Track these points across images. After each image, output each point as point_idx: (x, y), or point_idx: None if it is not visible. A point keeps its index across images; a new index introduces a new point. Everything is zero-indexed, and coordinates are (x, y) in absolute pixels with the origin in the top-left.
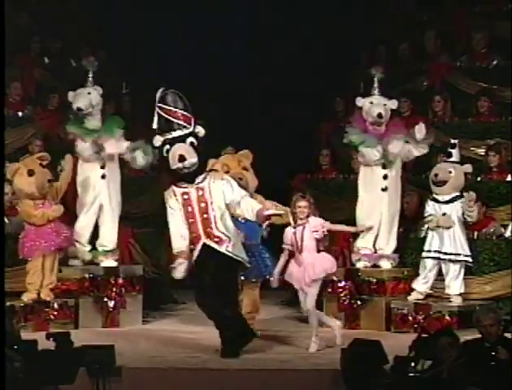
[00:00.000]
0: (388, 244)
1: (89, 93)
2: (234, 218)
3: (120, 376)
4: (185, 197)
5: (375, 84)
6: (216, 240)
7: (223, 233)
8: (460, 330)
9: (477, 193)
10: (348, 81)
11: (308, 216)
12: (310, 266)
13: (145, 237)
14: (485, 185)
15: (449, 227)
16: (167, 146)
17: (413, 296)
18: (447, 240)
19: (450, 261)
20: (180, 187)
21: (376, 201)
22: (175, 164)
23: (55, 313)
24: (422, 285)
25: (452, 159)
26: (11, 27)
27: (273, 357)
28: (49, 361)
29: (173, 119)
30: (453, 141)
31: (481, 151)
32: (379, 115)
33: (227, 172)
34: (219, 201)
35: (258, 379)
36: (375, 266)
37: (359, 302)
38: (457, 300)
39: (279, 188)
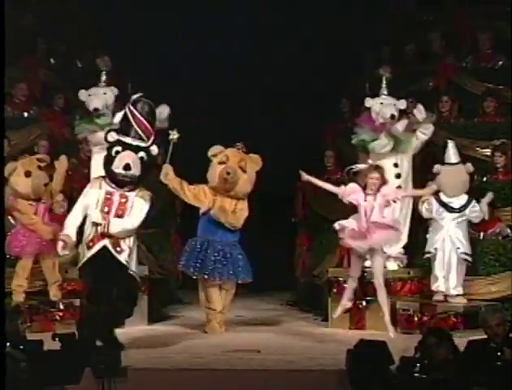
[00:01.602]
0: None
1: (105, 94)
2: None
3: (126, 377)
4: (108, 196)
5: (384, 85)
6: (118, 249)
7: (126, 245)
8: (465, 330)
9: (483, 194)
10: (353, 82)
11: (379, 187)
12: (376, 235)
13: (150, 238)
14: (491, 186)
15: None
16: (119, 148)
17: (457, 300)
18: (452, 237)
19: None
20: (109, 185)
21: None
22: (118, 168)
23: (61, 313)
24: (454, 288)
25: (451, 161)
26: (16, 27)
27: (278, 357)
28: (55, 361)
29: (135, 126)
30: (448, 141)
31: (487, 151)
32: (392, 116)
33: (223, 163)
34: (136, 216)
35: (262, 379)
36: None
37: (364, 303)
38: (461, 300)
39: (283, 189)
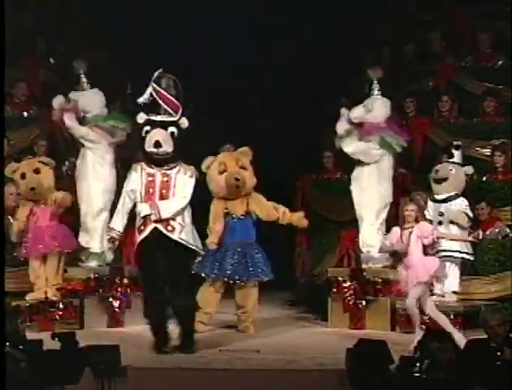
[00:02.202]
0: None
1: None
2: (230, 216)
3: (125, 376)
4: (150, 178)
5: (374, 86)
6: (169, 228)
7: (177, 223)
8: (465, 330)
9: (482, 193)
10: (352, 82)
11: (417, 220)
12: (414, 270)
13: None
14: (490, 185)
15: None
16: (148, 127)
17: (448, 299)
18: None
19: (451, 257)
20: (149, 166)
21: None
22: (149, 147)
23: (60, 313)
24: (454, 286)
25: (454, 160)
26: (16, 27)
27: (278, 357)
28: (54, 361)
29: (162, 103)
30: (456, 143)
31: (487, 151)
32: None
33: (224, 171)
34: (183, 193)
35: (262, 379)
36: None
37: (364, 302)
38: (452, 297)
39: (283, 189)
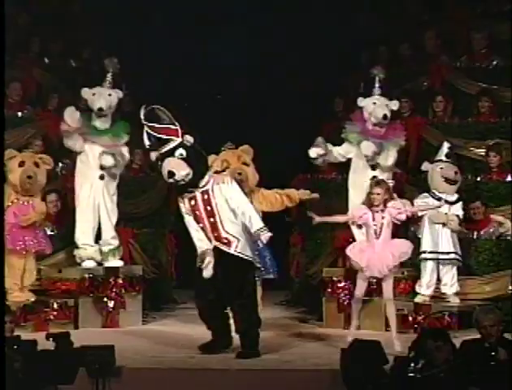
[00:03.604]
0: None
1: (110, 95)
2: None
3: (120, 376)
4: (192, 202)
5: (376, 84)
6: (225, 241)
7: (230, 235)
8: (460, 330)
9: (477, 194)
10: (347, 81)
11: (385, 202)
12: (388, 254)
13: (145, 237)
14: (485, 185)
15: (443, 224)
16: (160, 162)
17: (419, 300)
18: (443, 238)
19: (447, 259)
20: (187, 192)
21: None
22: (168, 179)
23: (55, 313)
24: (426, 289)
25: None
26: (11, 26)
27: (273, 357)
28: (49, 361)
29: (160, 135)
30: (446, 144)
31: (481, 151)
32: (385, 117)
33: (226, 168)
34: (224, 203)
35: (258, 379)
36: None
37: None
38: (455, 299)
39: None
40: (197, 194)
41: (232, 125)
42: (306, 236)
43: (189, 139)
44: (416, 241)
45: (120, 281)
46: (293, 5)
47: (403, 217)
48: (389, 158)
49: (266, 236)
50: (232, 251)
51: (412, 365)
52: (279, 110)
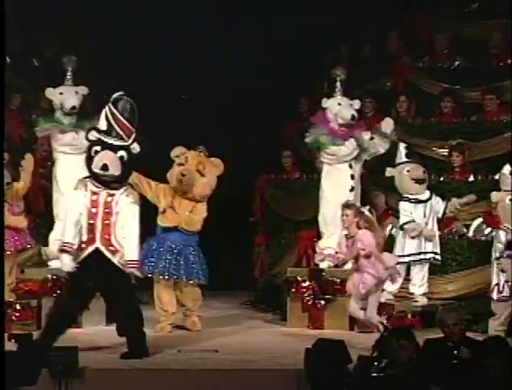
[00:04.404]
0: None
1: (77, 93)
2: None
3: (83, 378)
4: (94, 197)
5: (338, 85)
6: (111, 249)
7: (119, 244)
8: (423, 329)
9: (440, 193)
10: (312, 82)
11: (358, 224)
12: (368, 272)
13: None
14: (448, 185)
15: (431, 239)
16: (98, 147)
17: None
18: (421, 241)
19: (422, 260)
20: (94, 185)
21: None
22: (96, 168)
23: (17, 314)
24: (392, 286)
25: (404, 160)
26: None
27: (237, 357)
28: (11, 362)
29: (116, 126)
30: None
31: (444, 151)
32: (353, 117)
33: (182, 164)
34: (125, 214)
35: (221, 379)
36: (338, 266)
37: (323, 302)
38: (423, 300)
39: (242, 189)
40: (103, 193)
41: (195, 125)
42: (270, 236)
43: (136, 147)
44: None
45: None
46: (256, 5)
47: (366, 253)
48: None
49: (130, 270)
50: (115, 261)
51: (375, 364)
52: (242, 111)
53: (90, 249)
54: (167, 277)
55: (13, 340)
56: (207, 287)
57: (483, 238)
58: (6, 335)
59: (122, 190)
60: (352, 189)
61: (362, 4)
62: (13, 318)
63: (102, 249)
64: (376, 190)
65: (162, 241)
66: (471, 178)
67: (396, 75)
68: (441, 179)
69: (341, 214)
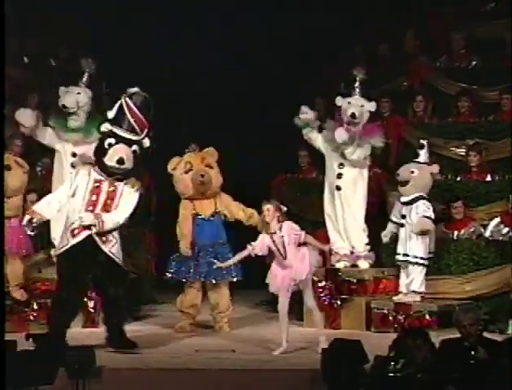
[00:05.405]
0: (360, 243)
1: (79, 93)
2: (198, 217)
3: (100, 377)
4: (96, 184)
5: (357, 85)
6: (104, 239)
7: (111, 234)
8: (439, 329)
9: (457, 193)
10: (328, 81)
11: (279, 219)
12: (297, 269)
13: (124, 237)
14: (465, 185)
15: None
16: (112, 140)
17: (410, 298)
18: (412, 241)
19: (415, 263)
20: (98, 173)
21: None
22: (111, 162)
23: (35, 313)
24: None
25: (419, 159)
26: None
27: (253, 357)
28: (29, 361)
29: (130, 119)
30: (421, 142)
31: (461, 151)
32: (353, 115)
33: (190, 170)
34: (126, 206)
35: (237, 379)
36: (354, 266)
37: (339, 302)
38: (414, 297)
39: (258, 189)
40: (105, 182)
41: (209, 125)
42: None
43: (147, 142)
44: None
45: None
46: (272, 4)
47: (302, 238)
48: (356, 152)
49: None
50: (106, 250)
51: (392, 364)
52: (257, 111)
53: (82, 235)
54: (213, 280)
55: (30, 340)
56: None
57: (500, 238)
58: (23, 334)
59: (123, 182)
60: (339, 188)
61: (379, 3)
62: (30, 317)
63: (95, 237)
64: (393, 189)
65: (197, 247)
66: (488, 178)
67: (412, 75)
68: (458, 179)
69: (262, 210)
